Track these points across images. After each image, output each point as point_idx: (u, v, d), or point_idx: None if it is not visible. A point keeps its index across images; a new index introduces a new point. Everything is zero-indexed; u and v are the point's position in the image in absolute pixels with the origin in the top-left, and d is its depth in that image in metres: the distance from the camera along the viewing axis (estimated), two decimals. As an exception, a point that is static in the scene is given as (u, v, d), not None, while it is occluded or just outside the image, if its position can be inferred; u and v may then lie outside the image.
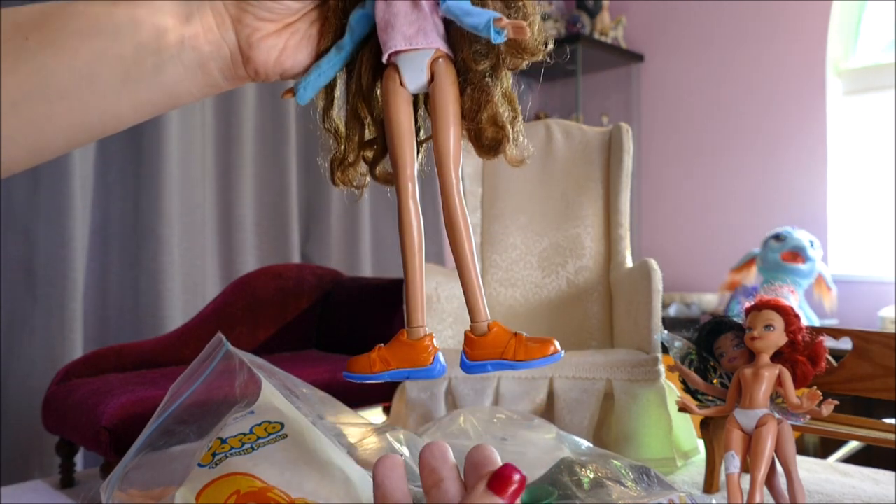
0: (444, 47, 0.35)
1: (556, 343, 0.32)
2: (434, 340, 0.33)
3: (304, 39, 0.37)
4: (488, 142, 0.38)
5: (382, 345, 0.33)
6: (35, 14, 0.33)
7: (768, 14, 2.79)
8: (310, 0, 0.36)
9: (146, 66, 0.34)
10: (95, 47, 0.33)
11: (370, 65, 0.37)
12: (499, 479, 0.28)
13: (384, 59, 0.34)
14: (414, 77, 0.34)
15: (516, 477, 0.27)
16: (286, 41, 0.37)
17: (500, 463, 0.30)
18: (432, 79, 0.35)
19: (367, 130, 0.38)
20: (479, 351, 0.32)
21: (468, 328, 0.32)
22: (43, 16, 0.33)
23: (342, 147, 0.38)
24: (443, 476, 0.31)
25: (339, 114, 0.39)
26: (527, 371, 0.94)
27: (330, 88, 0.38)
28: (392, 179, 0.36)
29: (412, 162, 0.34)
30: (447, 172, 0.33)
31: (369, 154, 0.39)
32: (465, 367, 0.32)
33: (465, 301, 0.33)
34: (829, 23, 2.66)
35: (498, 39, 0.34)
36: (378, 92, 0.37)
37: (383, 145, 0.38)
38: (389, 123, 0.34)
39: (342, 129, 0.38)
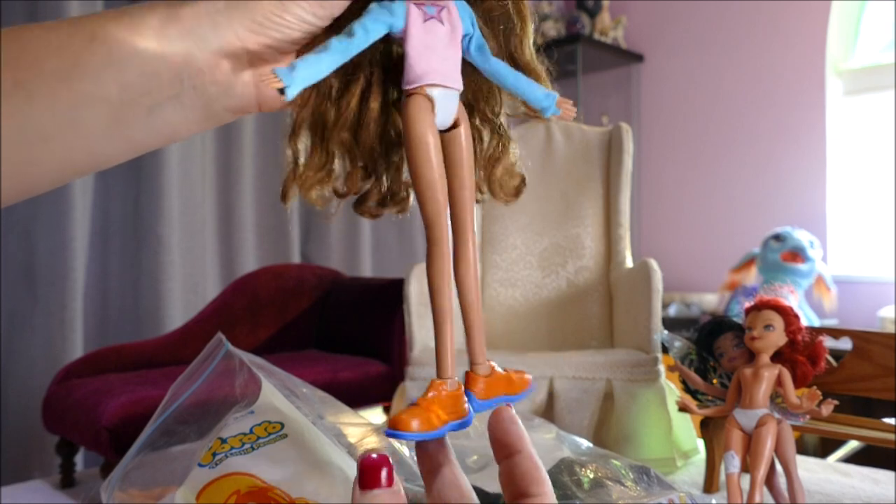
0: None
1: (528, 376, 0.34)
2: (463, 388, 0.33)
3: None
4: (511, 191, 0.38)
5: (425, 398, 0.32)
6: (11, 46, 0.29)
7: (768, 14, 2.79)
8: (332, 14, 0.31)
9: (138, 108, 0.30)
10: (75, 90, 0.29)
11: (380, 85, 0.34)
12: (367, 474, 0.27)
13: (416, 88, 0.30)
14: (445, 117, 0.31)
15: (382, 465, 0.27)
16: None
17: (524, 437, 0.30)
18: (455, 124, 0.32)
19: (342, 158, 0.35)
20: (490, 390, 0.32)
21: (470, 370, 0.32)
22: (18, 49, 0.29)
23: (314, 171, 0.35)
24: (441, 462, 0.31)
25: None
26: (526, 371, 0.94)
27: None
28: (377, 213, 0.36)
29: (446, 203, 0.32)
30: (469, 227, 0.32)
31: (353, 184, 0.36)
32: (480, 407, 0.32)
33: (467, 344, 0.33)
34: (828, 23, 2.66)
35: (550, 114, 0.34)
36: (372, 116, 0.34)
37: (370, 175, 0.37)
38: (429, 164, 0.30)
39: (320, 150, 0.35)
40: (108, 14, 0.30)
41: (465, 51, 0.32)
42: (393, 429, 0.29)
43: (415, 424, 0.29)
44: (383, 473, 0.27)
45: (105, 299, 1.98)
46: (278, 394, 0.58)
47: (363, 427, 0.69)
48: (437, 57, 0.31)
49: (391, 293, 1.62)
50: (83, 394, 1.19)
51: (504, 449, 0.29)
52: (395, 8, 0.30)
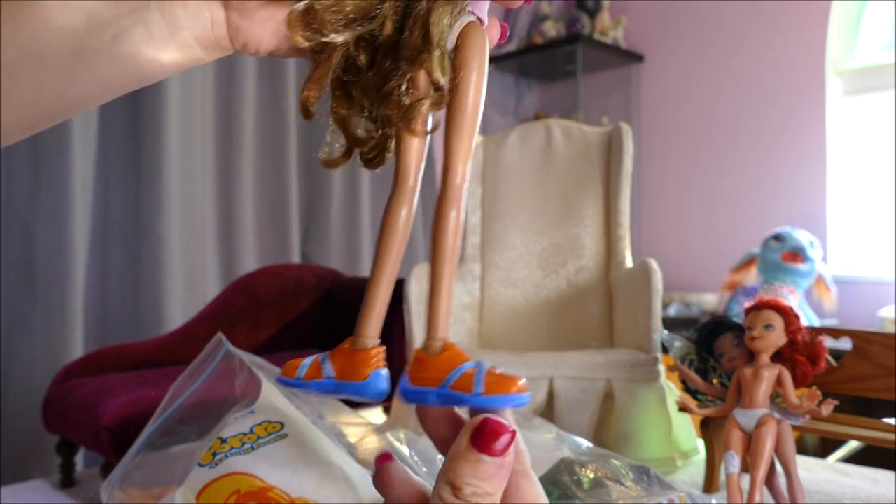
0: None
1: (523, 382, 0.26)
2: (382, 356, 0.28)
3: None
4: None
5: (329, 352, 0.29)
6: None
7: (768, 14, 2.79)
8: None
9: (103, 37, 0.29)
10: (38, 17, 0.29)
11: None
12: (483, 435, 0.24)
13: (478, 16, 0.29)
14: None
15: (505, 431, 0.24)
16: (286, 10, 0.31)
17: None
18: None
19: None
20: (425, 374, 0.27)
21: (419, 346, 0.28)
22: None
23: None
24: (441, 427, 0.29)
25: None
26: (526, 371, 0.95)
27: None
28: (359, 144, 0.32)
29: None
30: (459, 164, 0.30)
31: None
32: (403, 391, 0.27)
33: (428, 310, 0.28)
34: (828, 23, 2.66)
35: None
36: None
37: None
38: (476, 107, 0.29)
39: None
40: None
41: None
42: (280, 374, 0.28)
43: (287, 369, 0.28)
44: (502, 441, 0.24)
45: (105, 299, 1.98)
46: (278, 394, 0.58)
47: (363, 427, 0.69)
48: None
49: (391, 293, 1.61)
50: (83, 394, 1.19)
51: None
52: None
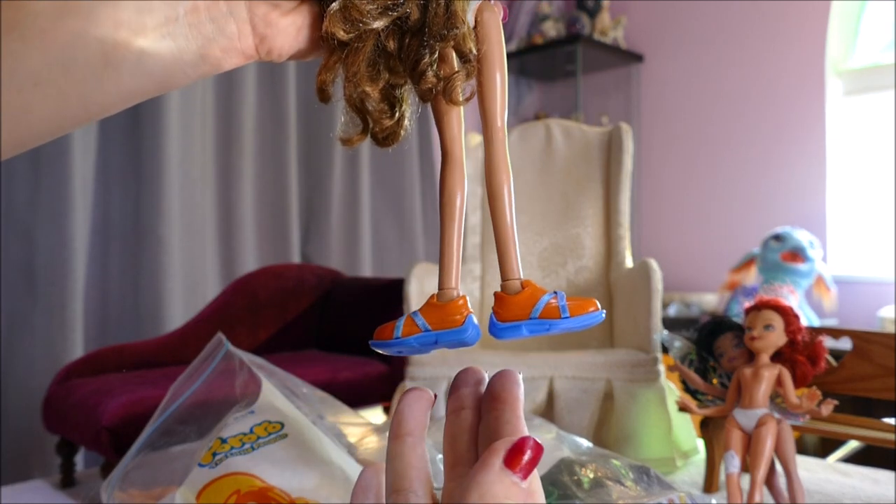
0: None
1: (597, 302, 0.29)
2: (468, 303, 0.30)
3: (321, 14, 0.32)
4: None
5: (417, 309, 0.31)
6: None
7: (768, 14, 2.79)
8: None
9: (130, 48, 0.30)
10: (69, 29, 0.29)
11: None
12: (513, 452, 0.25)
13: None
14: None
15: (529, 447, 0.25)
16: (305, 17, 0.32)
17: (519, 397, 0.28)
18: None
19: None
20: (512, 311, 0.29)
21: (498, 288, 0.30)
22: None
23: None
24: (465, 405, 0.29)
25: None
26: (527, 371, 0.95)
27: None
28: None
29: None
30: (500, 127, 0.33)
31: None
32: (496, 329, 0.29)
33: (498, 256, 0.31)
34: (828, 23, 2.66)
35: None
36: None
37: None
38: (502, 80, 0.32)
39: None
40: None
41: None
42: (374, 339, 0.29)
43: (380, 333, 0.29)
44: (526, 457, 0.25)
45: (105, 299, 1.98)
46: (278, 394, 0.58)
47: (363, 427, 0.69)
48: None
49: (391, 293, 1.62)
50: (83, 394, 1.19)
51: (494, 402, 0.28)
52: None
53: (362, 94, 0.32)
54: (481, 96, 0.32)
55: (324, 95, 0.33)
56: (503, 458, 0.25)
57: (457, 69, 0.31)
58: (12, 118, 0.30)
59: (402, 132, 0.34)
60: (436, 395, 0.30)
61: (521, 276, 0.30)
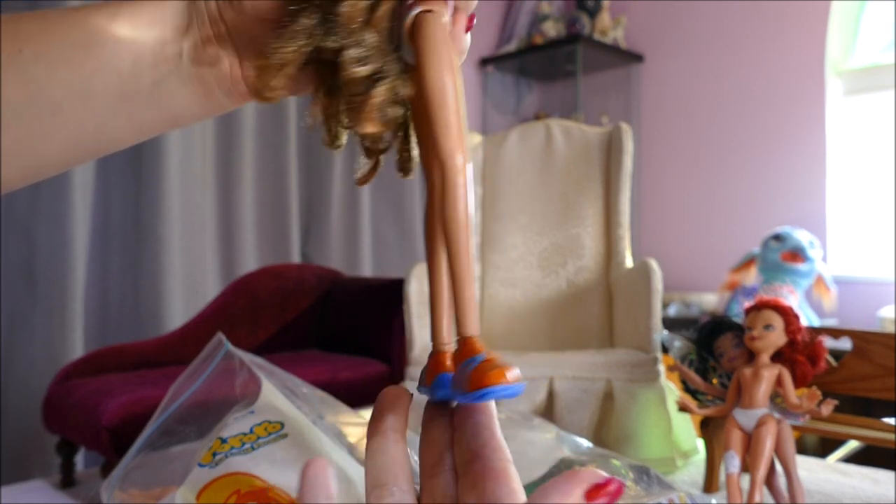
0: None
1: (512, 372, 0.24)
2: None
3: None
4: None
5: (484, 355, 0.25)
6: (35, 23, 0.31)
7: (768, 14, 2.79)
8: None
9: (144, 81, 0.32)
10: (92, 61, 0.31)
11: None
12: (597, 488, 0.23)
13: (439, 3, 0.28)
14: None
15: (613, 487, 0.23)
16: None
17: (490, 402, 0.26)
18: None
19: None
20: (434, 370, 0.26)
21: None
22: (43, 24, 0.31)
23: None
24: (443, 412, 0.28)
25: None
26: (527, 371, 0.95)
27: None
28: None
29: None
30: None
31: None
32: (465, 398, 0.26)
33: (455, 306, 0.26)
34: (828, 23, 2.66)
35: None
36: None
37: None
38: (450, 82, 0.26)
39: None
40: None
41: None
42: (491, 385, 0.23)
43: (509, 376, 0.23)
44: (605, 498, 0.23)
45: (105, 299, 1.98)
46: (278, 394, 0.58)
47: (363, 427, 0.69)
48: None
49: (391, 293, 1.62)
50: (83, 394, 1.19)
51: (469, 408, 0.26)
52: None
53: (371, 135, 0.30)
54: (428, 126, 0.27)
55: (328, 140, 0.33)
56: (586, 490, 0.23)
57: (361, 91, 0.28)
58: (29, 147, 0.31)
59: (412, 163, 0.32)
60: (412, 394, 0.29)
61: (465, 333, 0.26)
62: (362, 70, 0.28)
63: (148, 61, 0.32)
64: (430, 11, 0.28)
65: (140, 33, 0.32)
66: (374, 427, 0.28)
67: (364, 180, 0.34)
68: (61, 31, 0.31)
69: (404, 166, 0.32)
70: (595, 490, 0.24)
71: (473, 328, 0.26)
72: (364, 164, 0.33)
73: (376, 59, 0.28)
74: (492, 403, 0.26)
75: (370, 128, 0.29)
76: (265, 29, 0.33)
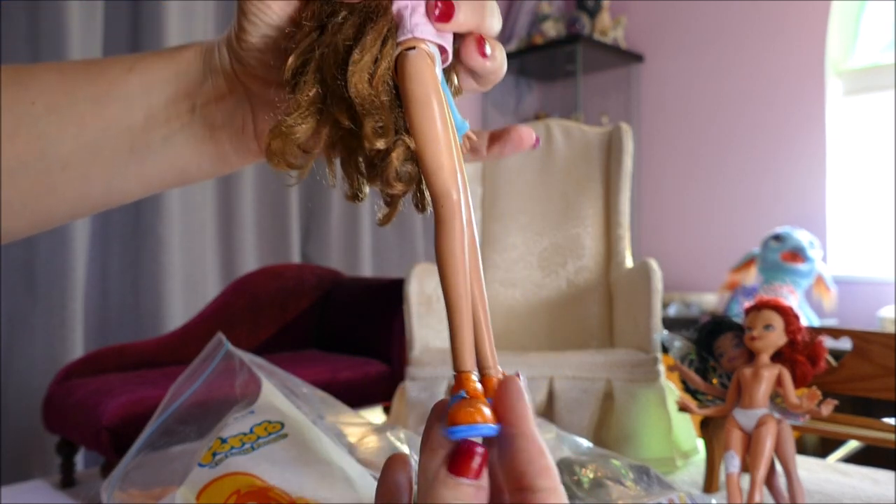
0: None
1: (484, 412, 0.25)
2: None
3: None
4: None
5: (464, 394, 0.26)
6: (51, 74, 0.30)
7: (768, 14, 2.79)
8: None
9: (155, 137, 0.32)
10: (105, 116, 0.30)
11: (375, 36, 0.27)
12: (461, 457, 0.24)
13: (416, 40, 0.27)
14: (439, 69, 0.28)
15: (478, 450, 0.24)
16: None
17: (526, 415, 0.25)
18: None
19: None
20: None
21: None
22: (58, 76, 0.30)
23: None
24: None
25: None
26: (527, 371, 0.95)
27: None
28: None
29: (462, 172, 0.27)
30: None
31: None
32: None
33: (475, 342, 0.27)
34: (828, 23, 2.66)
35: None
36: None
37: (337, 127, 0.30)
38: (436, 118, 0.26)
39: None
40: (149, 52, 0.33)
41: None
42: (464, 423, 0.24)
43: (481, 417, 0.24)
44: (475, 462, 0.24)
45: (105, 299, 1.98)
46: (278, 394, 0.58)
47: (363, 427, 0.69)
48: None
49: (391, 293, 1.62)
50: (83, 394, 1.19)
51: (503, 427, 0.25)
52: None
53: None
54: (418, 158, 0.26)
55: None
56: (448, 465, 0.24)
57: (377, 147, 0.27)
58: (36, 198, 0.31)
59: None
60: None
61: (461, 368, 0.27)
62: (381, 143, 0.27)
63: (160, 117, 0.31)
64: (410, 49, 0.27)
65: (154, 89, 0.31)
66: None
67: (386, 221, 0.32)
68: (75, 84, 0.30)
69: (420, 203, 0.32)
70: (457, 461, 0.24)
71: (466, 364, 0.26)
72: (385, 207, 0.32)
73: (389, 123, 0.27)
74: (527, 414, 0.25)
75: (394, 189, 0.29)
76: (275, 90, 0.31)
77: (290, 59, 0.28)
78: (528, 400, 0.25)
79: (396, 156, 0.27)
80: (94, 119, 0.30)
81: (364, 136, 0.27)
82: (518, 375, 0.26)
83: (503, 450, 0.25)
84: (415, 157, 0.27)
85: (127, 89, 0.31)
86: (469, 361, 0.26)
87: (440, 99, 0.26)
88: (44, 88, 0.30)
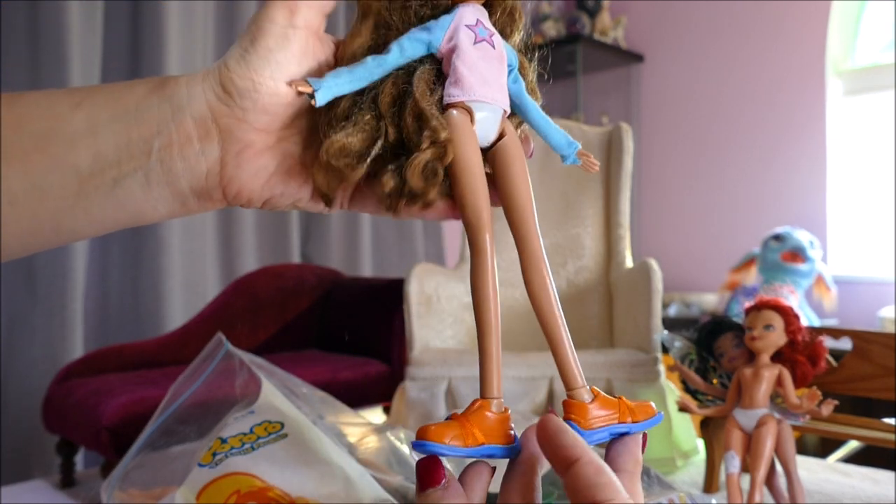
0: (509, 111, 0.34)
1: (653, 405, 0.31)
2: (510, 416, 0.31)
3: (296, 165, 0.33)
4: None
5: (458, 412, 0.30)
6: (4, 106, 0.30)
7: (768, 14, 2.79)
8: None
9: (104, 179, 0.30)
10: (49, 154, 0.29)
11: (429, 86, 0.32)
12: (426, 474, 0.27)
13: (458, 101, 0.31)
14: (487, 128, 0.33)
15: (433, 465, 0.27)
16: (278, 163, 0.32)
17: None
18: (500, 137, 0.34)
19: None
20: (591, 419, 0.29)
21: (567, 397, 0.31)
22: (8, 109, 0.29)
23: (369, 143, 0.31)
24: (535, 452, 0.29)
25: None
26: (527, 371, 0.95)
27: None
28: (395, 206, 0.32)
29: (491, 219, 0.32)
30: (533, 231, 0.33)
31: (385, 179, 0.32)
32: (590, 439, 0.30)
33: (558, 368, 0.31)
34: (828, 23, 2.66)
35: (570, 162, 0.36)
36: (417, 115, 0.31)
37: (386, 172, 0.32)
38: (468, 168, 0.31)
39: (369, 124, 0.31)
40: (103, 85, 0.31)
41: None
42: (421, 439, 0.27)
43: (447, 438, 0.27)
44: (435, 473, 0.27)
45: (105, 299, 1.98)
46: (278, 394, 0.58)
47: (363, 427, 0.69)
48: (485, 76, 0.32)
49: (391, 293, 1.62)
50: (83, 394, 1.19)
51: (561, 463, 0.27)
52: (434, 27, 0.31)
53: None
54: (514, 204, 0.33)
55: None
56: (417, 486, 0.27)
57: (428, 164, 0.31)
58: None
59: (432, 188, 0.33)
60: (494, 468, 0.30)
61: (585, 383, 0.31)
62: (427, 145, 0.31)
63: (110, 158, 0.30)
64: (454, 108, 0.31)
65: (100, 128, 0.30)
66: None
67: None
68: (22, 120, 0.29)
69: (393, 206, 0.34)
70: (420, 480, 0.27)
71: (490, 392, 0.30)
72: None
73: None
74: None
75: (416, 186, 0.31)
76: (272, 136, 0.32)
77: (342, 103, 0.31)
78: (570, 431, 0.27)
79: (424, 157, 0.30)
80: (39, 157, 0.29)
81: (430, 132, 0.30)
82: (551, 411, 0.29)
83: (566, 480, 0.26)
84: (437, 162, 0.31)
85: (72, 127, 0.30)
86: (495, 390, 0.30)
87: (474, 145, 0.32)
88: None
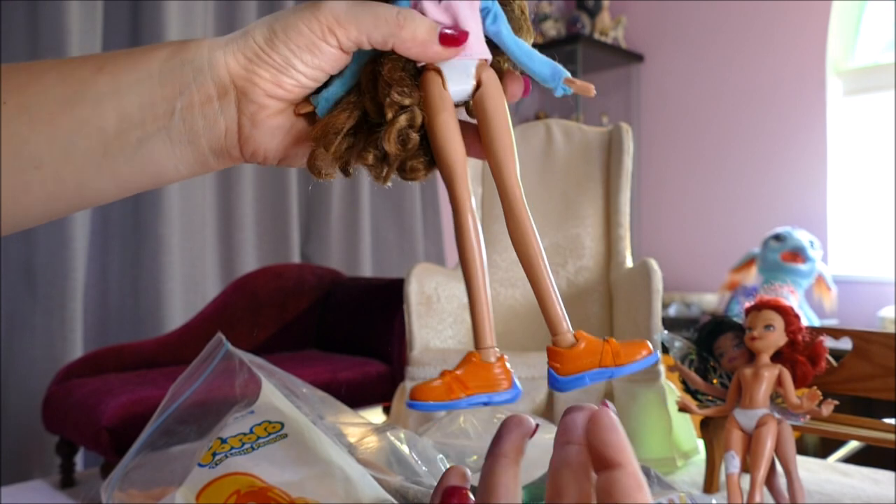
0: (490, 57, 0.34)
1: (649, 344, 0.30)
2: (507, 362, 0.30)
3: (307, 128, 0.34)
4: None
5: (448, 369, 0.30)
6: (21, 75, 0.30)
7: (768, 14, 2.79)
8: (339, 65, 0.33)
9: (129, 139, 0.31)
10: (75, 116, 0.30)
11: (398, 65, 0.33)
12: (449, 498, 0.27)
13: (422, 63, 0.32)
14: (460, 83, 0.33)
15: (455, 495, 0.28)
16: (292, 124, 0.34)
17: (631, 461, 0.26)
18: (478, 86, 0.33)
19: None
20: (572, 364, 0.29)
21: (550, 343, 0.30)
22: (29, 77, 0.30)
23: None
24: (572, 440, 0.28)
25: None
26: (526, 371, 0.95)
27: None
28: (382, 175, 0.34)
29: (466, 172, 0.32)
30: (511, 177, 0.32)
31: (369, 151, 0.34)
32: (558, 383, 0.30)
33: (543, 314, 0.31)
34: (828, 23, 2.66)
35: (560, 93, 0.35)
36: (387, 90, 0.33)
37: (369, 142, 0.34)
38: (439, 128, 0.32)
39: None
40: (123, 50, 0.32)
41: (483, 24, 0.34)
42: (412, 399, 0.28)
43: (434, 394, 0.28)
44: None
45: (105, 299, 1.98)
46: (278, 394, 0.58)
47: (363, 427, 0.69)
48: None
49: (391, 293, 1.62)
50: (83, 394, 1.19)
51: (602, 461, 0.25)
52: (401, 3, 0.32)
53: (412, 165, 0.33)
54: (492, 152, 0.32)
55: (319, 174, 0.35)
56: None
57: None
58: (11, 198, 0.31)
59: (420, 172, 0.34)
60: (537, 426, 0.29)
61: (570, 328, 0.30)
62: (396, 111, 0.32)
63: (134, 119, 0.31)
64: (429, 71, 0.32)
65: (124, 90, 0.31)
66: (490, 449, 0.29)
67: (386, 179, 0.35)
68: (45, 84, 0.30)
69: (383, 176, 0.35)
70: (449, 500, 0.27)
71: (482, 342, 0.30)
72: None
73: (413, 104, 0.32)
74: (632, 461, 0.26)
75: (392, 149, 0.32)
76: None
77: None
78: (621, 431, 0.26)
79: (400, 121, 0.32)
80: (65, 119, 0.30)
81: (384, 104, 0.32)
82: (606, 404, 0.27)
83: (602, 480, 0.25)
84: (413, 127, 0.32)
85: (96, 89, 0.31)
86: (488, 339, 0.30)
87: (449, 109, 0.32)
88: (13, 88, 0.30)
